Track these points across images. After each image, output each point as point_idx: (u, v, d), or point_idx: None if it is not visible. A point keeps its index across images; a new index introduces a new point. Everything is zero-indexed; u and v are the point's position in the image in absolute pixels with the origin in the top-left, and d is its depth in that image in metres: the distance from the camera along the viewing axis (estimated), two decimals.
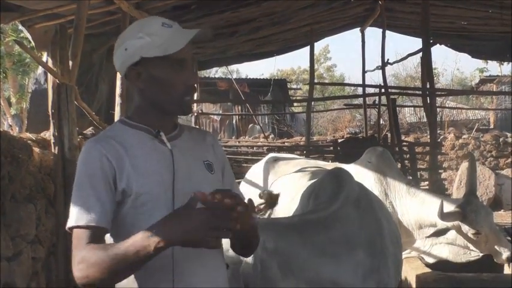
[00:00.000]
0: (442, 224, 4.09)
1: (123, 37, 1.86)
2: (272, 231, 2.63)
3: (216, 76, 28.44)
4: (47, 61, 4.99)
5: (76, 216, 1.71)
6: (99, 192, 1.72)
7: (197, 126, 12.52)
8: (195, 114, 13.08)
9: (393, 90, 12.44)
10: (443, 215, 3.97)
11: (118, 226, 1.78)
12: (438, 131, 12.28)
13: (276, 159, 5.83)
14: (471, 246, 4.14)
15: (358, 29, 13.76)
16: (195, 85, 1.89)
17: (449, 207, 4.10)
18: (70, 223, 1.71)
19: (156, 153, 1.82)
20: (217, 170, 1.95)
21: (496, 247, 4.03)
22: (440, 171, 10.31)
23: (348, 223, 2.80)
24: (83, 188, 1.74)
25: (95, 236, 1.69)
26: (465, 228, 4.01)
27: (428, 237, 4.11)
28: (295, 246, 2.63)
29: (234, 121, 22.34)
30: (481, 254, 4.15)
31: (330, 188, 3.05)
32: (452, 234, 4.13)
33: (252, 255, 2.48)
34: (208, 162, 1.92)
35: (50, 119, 4.56)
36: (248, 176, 6.05)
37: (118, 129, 1.87)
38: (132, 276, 1.73)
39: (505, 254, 3.97)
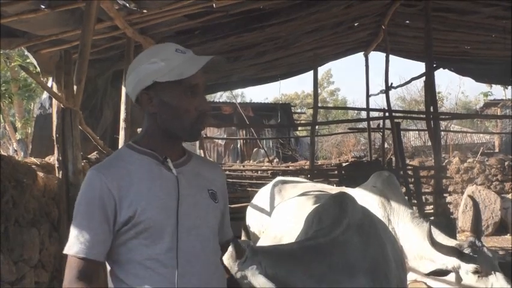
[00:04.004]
0: (441, 264, 3.85)
1: (136, 62, 1.87)
2: (272, 257, 2.63)
3: (221, 100, 28.65)
4: (51, 86, 5.02)
5: (69, 244, 1.75)
6: (95, 223, 1.74)
7: (200, 151, 12.53)
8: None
9: (397, 114, 12.44)
10: (434, 242, 3.77)
11: (119, 253, 1.79)
12: (443, 155, 12.26)
13: (283, 183, 5.84)
14: None
15: (362, 53, 13.87)
16: (207, 112, 1.88)
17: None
18: (64, 249, 1.76)
19: (161, 180, 1.82)
20: (220, 200, 1.97)
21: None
22: (445, 195, 10.23)
23: (349, 249, 2.79)
24: (79, 218, 1.77)
25: (85, 266, 1.73)
26: (465, 268, 3.73)
27: (428, 274, 3.92)
28: (294, 273, 2.62)
29: (238, 145, 22.35)
30: None
31: (332, 213, 3.04)
32: (452, 279, 3.82)
33: (251, 269, 2.50)
34: (213, 191, 1.94)
35: (55, 143, 4.58)
36: (255, 199, 6.05)
37: (124, 155, 1.87)
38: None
39: None
